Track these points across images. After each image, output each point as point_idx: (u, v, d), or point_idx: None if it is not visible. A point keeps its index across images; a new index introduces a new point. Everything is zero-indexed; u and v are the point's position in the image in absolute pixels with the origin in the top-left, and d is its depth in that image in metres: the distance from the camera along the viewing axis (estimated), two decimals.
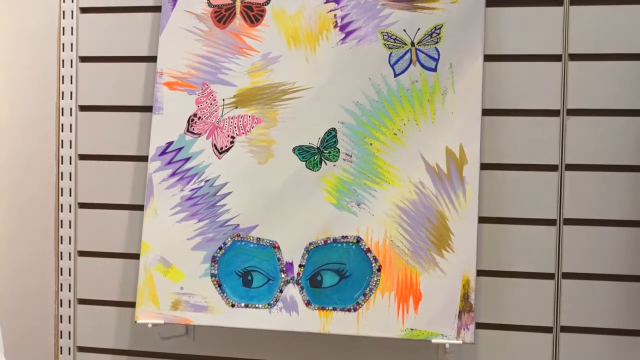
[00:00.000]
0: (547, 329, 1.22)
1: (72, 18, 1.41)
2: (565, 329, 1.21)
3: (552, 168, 1.22)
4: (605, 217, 1.21)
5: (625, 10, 1.20)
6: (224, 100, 1.29)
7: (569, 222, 1.21)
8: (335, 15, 1.25)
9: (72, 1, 1.41)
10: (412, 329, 1.16)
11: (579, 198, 1.21)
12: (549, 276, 1.22)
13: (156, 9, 1.36)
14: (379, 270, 1.20)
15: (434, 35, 1.21)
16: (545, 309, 1.22)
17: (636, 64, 1.19)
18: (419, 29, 1.22)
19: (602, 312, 1.20)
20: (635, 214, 1.19)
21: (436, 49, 1.21)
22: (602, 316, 1.20)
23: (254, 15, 1.29)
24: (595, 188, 1.21)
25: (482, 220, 1.21)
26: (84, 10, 1.41)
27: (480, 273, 1.20)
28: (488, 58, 1.22)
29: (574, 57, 1.21)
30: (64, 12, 1.42)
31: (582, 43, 1.21)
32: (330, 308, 1.20)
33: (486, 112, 1.21)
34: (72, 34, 1.42)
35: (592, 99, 1.21)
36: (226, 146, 1.28)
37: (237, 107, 1.29)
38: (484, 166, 1.22)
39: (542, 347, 1.22)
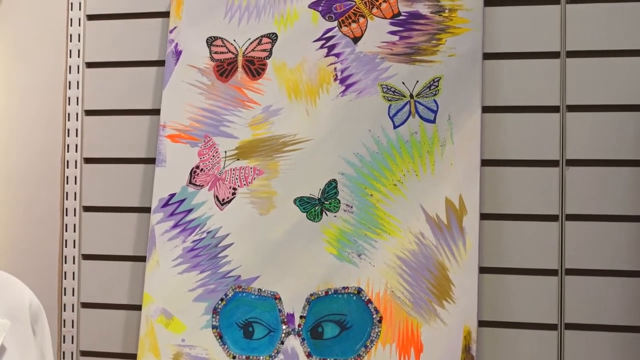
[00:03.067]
0: None
1: (77, 73, 1.42)
2: None
3: (552, 218, 1.20)
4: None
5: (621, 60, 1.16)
6: (225, 152, 1.29)
7: (571, 272, 1.19)
8: (335, 68, 1.26)
9: (78, 57, 1.43)
10: None
11: (578, 247, 1.19)
12: (552, 327, 1.19)
13: (160, 63, 1.37)
14: (380, 321, 1.18)
15: (432, 87, 1.22)
16: (549, 356, 1.19)
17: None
18: (417, 81, 1.22)
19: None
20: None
21: (435, 101, 1.21)
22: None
23: (255, 69, 1.30)
24: (595, 235, 1.18)
25: (483, 270, 1.19)
26: (90, 65, 1.42)
27: (482, 324, 1.19)
28: (486, 109, 1.22)
29: (572, 108, 1.20)
30: (70, 67, 1.43)
31: (579, 94, 1.20)
32: (332, 359, 1.19)
33: (485, 163, 1.21)
34: (77, 88, 1.43)
35: (588, 148, 1.20)
36: (228, 197, 1.28)
37: (238, 159, 1.28)
38: (484, 216, 1.20)
39: None
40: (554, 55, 1.20)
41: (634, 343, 1.16)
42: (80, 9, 1.42)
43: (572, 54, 1.20)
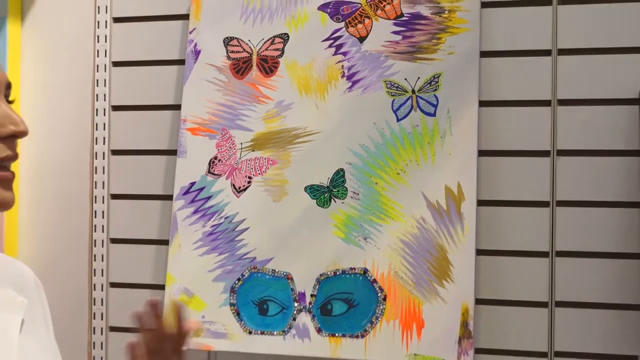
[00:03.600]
0: (542, 354, 1.19)
1: (105, 71, 1.42)
2: (562, 354, 1.18)
3: (544, 204, 1.20)
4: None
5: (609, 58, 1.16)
6: (241, 144, 1.29)
7: (561, 254, 1.19)
8: (342, 66, 1.26)
9: (105, 56, 1.43)
10: (415, 355, 1.15)
11: (567, 230, 1.19)
12: (543, 304, 1.20)
13: (180, 62, 1.37)
14: (384, 299, 1.19)
15: (432, 83, 1.22)
16: (541, 334, 1.19)
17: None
18: (419, 77, 1.22)
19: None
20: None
21: (435, 95, 1.21)
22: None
23: (269, 67, 1.30)
24: (584, 220, 1.19)
25: (479, 252, 1.19)
26: (116, 64, 1.42)
27: (478, 301, 1.19)
28: (483, 104, 1.22)
29: (562, 102, 1.20)
30: (97, 66, 1.43)
31: (569, 87, 1.20)
32: (339, 335, 1.20)
33: (482, 153, 1.21)
34: (105, 86, 1.43)
35: (577, 139, 1.20)
36: (244, 186, 1.28)
37: (253, 150, 1.29)
38: (481, 202, 1.20)
39: None
40: (546, 53, 1.20)
41: (618, 319, 1.17)
42: (107, 12, 1.42)
43: (562, 52, 1.20)
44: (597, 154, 1.18)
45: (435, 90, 1.21)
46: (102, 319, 1.40)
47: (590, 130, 1.19)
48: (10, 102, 0.73)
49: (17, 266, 0.83)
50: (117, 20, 1.42)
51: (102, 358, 1.40)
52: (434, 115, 1.21)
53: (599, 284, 1.17)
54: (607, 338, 1.17)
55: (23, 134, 0.69)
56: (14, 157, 0.69)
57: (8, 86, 0.72)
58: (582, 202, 1.19)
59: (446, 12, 1.22)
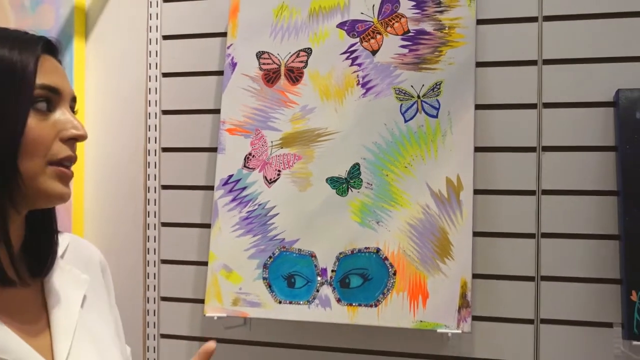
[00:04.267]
0: (530, 321, 1.20)
1: (156, 81, 1.44)
2: (546, 320, 1.19)
3: (531, 193, 1.21)
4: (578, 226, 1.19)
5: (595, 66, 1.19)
6: (272, 142, 1.30)
7: (546, 235, 1.20)
8: (357, 75, 1.27)
9: (156, 68, 1.44)
10: (421, 321, 1.16)
11: (553, 216, 1.20)
12: (530, 279, 1.20)
13: (220, 73, 1.38)
14: (394, 274, 1.19)
15: (435, 89, 1.22)
16: (528, 304, 1.21)
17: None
18: (423, 85, 1.23)
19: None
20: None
21: (437, 100, 1.22)
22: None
23: (294, 77, 1.31)
24: (566, 206, 1.19)
25: (475, 234, 1.20)
26: (165, 75, 1.44)
27: (475, 276, 1.20)
28: (478, 107, 1.22)
29: (547, 105, 1.21)
30: (149, 76, 1.44)
31: (552, 92, 1.21)
32: (356, 304, 1.20)
33: (477, 149, 1.22)
34: (155, 93, 1.44)
35: (560, 137, 1.20)
36: (274, 178, 1.29)
37: (282, 147, 1.29)
38: (477, 191, 1.21)
39: (525, 338, 1.20)
40: (533, 63, 1.21)
41: (596, 291, 1.17)
42: (157, 31, 1.43)
43: (547, 62, 1.20)
44: (577, 149, 1.18)
45: (438, 95, 1.21)
46: (154, 290, 1.41)
47: (571, 129, 1.19)
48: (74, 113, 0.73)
49: (86, 246, 0.83)
50: (165, 37, 1.43)
51: (154, 323, 1.41)
52: (436, 117, 1.21)
53: (579, 261, 1.18)
54: (586, 307, 1.17)
55: (82, 137, 0.69)
56: (74, 158, 0.69)
57: (73, 99, 0.71)
58: (564, 191, 1.19)
59: (446, 28, 1.22)
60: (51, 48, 0.70)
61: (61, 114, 0.68)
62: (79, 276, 0.76)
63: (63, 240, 0.78)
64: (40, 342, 0.68)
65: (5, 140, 0.64)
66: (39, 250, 0.73)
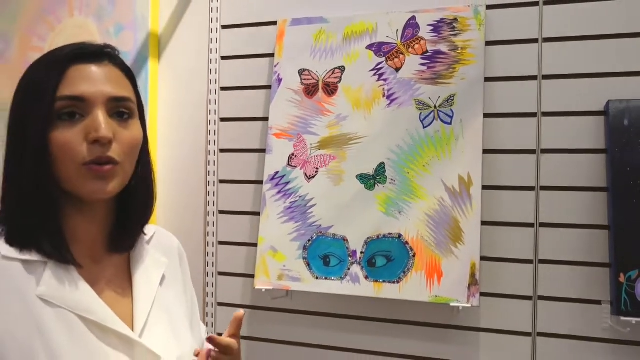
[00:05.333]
0: (528, 297, 1.19)
1: (215, 94, 1.44)
2: (543, 297, 1.19)
3: (531, 189, 1.20)
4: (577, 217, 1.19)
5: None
6: (311, 144, 1.31)
7: (544, 225, 1.19)
8: (383, 89, 1.27)
9: (216, 83, 1.44)
10: (436, 296, 1.16)
11: (548, 208, 1.19)
12: (529, 262, 1.20)
13: (268, 87, 1.39)
14: (414, 256, 1.20)
15: (449, 101, 1.22)
16: (527, 283, 1.19)
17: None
18: (439, 97, 1.23)
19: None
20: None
21: (451, 110, 1.21)
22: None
23: (330, 90, 1.31)
24: (561, 200, 1.18)
25: (483, 223, 1.19)
26: (223, 88, 1.45)
27: (482, 259, 1.20)
28: (486, 115, 1.22)
29: (545, 114, 1.19)
30: (210, 90, 1.44)
31: (551, 103, 1.19)
32: (381, 281, 1.20)
33: (485, 151, 1.21)
34: (215, 104, 1.45)
35: (557, 141, 1.19)
36: (313, 174, 1.30)
37: (320, 149, 1.30)
38: (485, 187, 1.21)
39: (525, 312, 1.19)
40: (533, 78, 1.20)
41: (587, 273, 1.16)
42: (216, 52, 1.44)
43: (546, 77, 1.19)
44: (571, 152, 1.18)
45: (451, 106, 1.21)
46: (213, 267, 1.43)
47: (567, 135, 1.18)
48: (121, 115, 0.66)
49: (167, 236, 0.82)
50: (223, 58, 1.44)
51: (212, 293, 1.43)
52: (450, 124, 1.21)
53: (572, 247, 1.17)
54: (577, 287, 1.16)
55: (102, 139, 0.62)
56: (103, 158, 0.63)
57: (114, 99, 0.65)
58: (560, 187, 1.18)
59: (459, 49, 1.22)
60: (85, 56, 0.65)
61: (91, 118, 0.63)
62: (160, 259, 0.76)
63: (150, 230, 0.78)
64: (123, 310, 0.68)
65: (35, 151, 0.62)
66: (124, 232, 0.72)
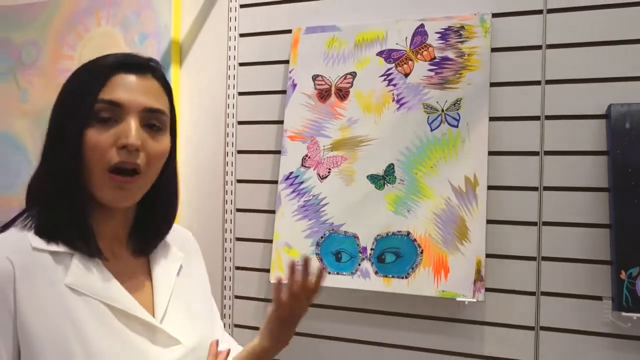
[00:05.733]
0: (532, 293, 1.18)
1: (233, 98, 1.45)
2: (546, 293, 1.18)
3: (534, 189, 1.19)
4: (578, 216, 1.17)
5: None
6: (324, 146, 1.31)
7: (546, 223, 1.18)
8: (393, 93, 1.26)
9: (234, 89, 1.45)
10: (443, 291, 1.16)
11: (551, 207, 1.17)
12: (532, 258, 1.19)
13: (283, 92, 1.40)
14: (421, 253, 1.19)
15: (456, 105, 1.21)
16: (531, 279, 1.18)
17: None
18: (446, 101, 1.22)
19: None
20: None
21: (458, 113, 1.21)
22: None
23: (342, 95, 1.31)
24: (563, 200, 1.17)
25: (488, 222, 1.19)
26: (240, 93, 1.45)
27: (487, 255, 1.19)
28: (492, 119, 1.21)
29: (548, 117, 1.18)
30: (228, 95, 1.45)
31: (553, 107, 1.18)
32: (390, 276, 1.20)
33: (491, 153, 1.21)
34: (233, 108, 1.44)
35: (559, 143, 1.17)
36: (325, 174, 1.30)
37: (332, 150, 1.30)
38: (490, 187, 1.20)
39: (528, 307, 1.19)
40: (537, 83, 1.19)
41: (589, 270, 1.14)
42: (234, 59, 1.44)
43: (549, 82, 1.18)
44: (573, 153, 1.17)
45: (458, 109, 1.20)
46: (230, 261, 1.43)
47: (569, 137, 1.17)
48: (152, 126, 0.67)
49: (184, 232, 0.83)
50: (241, 64, 1.45)
51: (230, 286, 1.43)
52: (457, 127, 1.20)
53: (574, 245, 1.16)
54: (579, 283, 1.15)
55: (130, 145, 0.63)
56: (128, 163, 0.64)
57: (148, 110, 0.66)
58: (563, 187, 1.17)
59: (466, 55, 1.21)
60: (129, 66, 0.67)
61: (124, 124, 0.64)
62: (177, 253, 0.78)
63: None
64: (144, 299, 0.70)
65: (68, 144, 0.64)
66: (147, 233, 0.73)
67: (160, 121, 0.68)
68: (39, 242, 0.64)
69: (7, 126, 1.63)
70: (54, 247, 0.65)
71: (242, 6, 1.45)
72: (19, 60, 1.62)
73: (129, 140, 0.63)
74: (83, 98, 0.64)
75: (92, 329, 0.62)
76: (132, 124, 0.64)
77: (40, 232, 0.65)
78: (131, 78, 0.66)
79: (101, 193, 0.65)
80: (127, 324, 0.65)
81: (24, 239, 0.64)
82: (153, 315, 0.69)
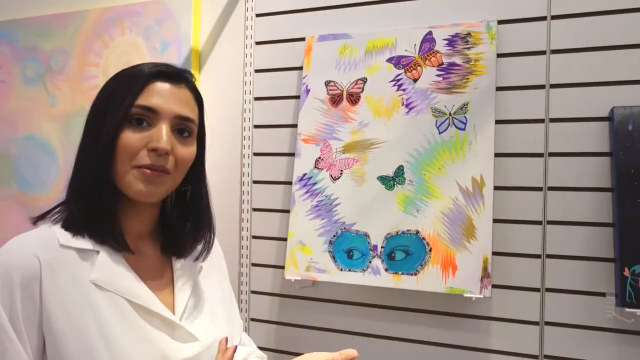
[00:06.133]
0: (536, 289, 1.19)
1: (249, 103, 1.46)
2: (550, 289, 1.19)
3: (539, 189, 1.20)
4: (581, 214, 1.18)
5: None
6: (336, 149, 1.31)
7: (551, 222, 1.19)
8: (402, 98, 1.27)
9: (250, 94, 1.46)
10: (451, 287, 1.16)
11: (555, 207, 1.18)
12: (537, 256, 1.19)
13: (297, 97, 1.41)
14: (430, 251, 1.20)
15: (463, 108, 1.22)
16: (535, 275, 1.19)
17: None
18: (453, 105, 1.22)
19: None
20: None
21: (465, 117, 1.21)
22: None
23: (354, 99, 1.32)
24: (567, 200, 1.17)
25: (495, 221, 1.20)
26: (256, 98, 1.46)
27: (494, 253, 1.20)
28: (498, 122, 1.22)
29: (552, 120, 1.19)
30: (245, 100, 1.47)
31: (557, 109, 1.19)
32: (400, 273, 1.21)
33: (497, 155, 1.21)
34: (249, 112, 1.47)
35: (563, 145, 1.19)
36: (338, 176, 1.30)
37: (344, 153, 1.30)
38: (496, 188, 1.21)
39: (533, 303, 1.19)
40: (542, 87, 1.19)
41: (592, 267, 1.14)
42: (250, 66, 1.46)
43: (553, 86, 1.19)
44: (577, 155, 1.17)
45: (465, 113, 1.21)
46: (247, 258, 1.45)
47: (573, 139, 1.17)
48: (182, 132, 0.69)
49: None
50: (257, 70, 1.46)
51: (246, 282, 1.44)
52: (464, 130, 1.20)
53: (578, 243, 1.16)
54: (582, 279, 1.16)
55: (161, 150, 0.65)
56: (156, 166, 0.66)
57: (179, 117, 0.68)
58: (566, 188, 1.18)
59: (472, 61, 1.21)
60: (165, 76, 0.69)
61: (156, 129, 0.67)
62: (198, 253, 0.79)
63: None
64: (165, 296, 0.71)
65: (103, 143, 0.66)
66: (173, 233, 0.75)
67: (189, 128, 0.70)
68: (66, 238, 0.66)
69: (36, 129, 1.68)
70: (80, 243, 0.66)
71: (258, 15, 1.47)
72: (48, 67, 1.66)
73: (160, 144, 0.66)
74: (121, 101, 0.66)
75: (114, 324, 0.63)
76: (164, 129, 0.67)
77: (68, 225, 0.67)
78: (166, 86, 0.69)
79: (130, 187, 0.66)
80: (148, 320, 0.66)
81: (52, 235, 0.65)
82: (173, 312, 0.70)
